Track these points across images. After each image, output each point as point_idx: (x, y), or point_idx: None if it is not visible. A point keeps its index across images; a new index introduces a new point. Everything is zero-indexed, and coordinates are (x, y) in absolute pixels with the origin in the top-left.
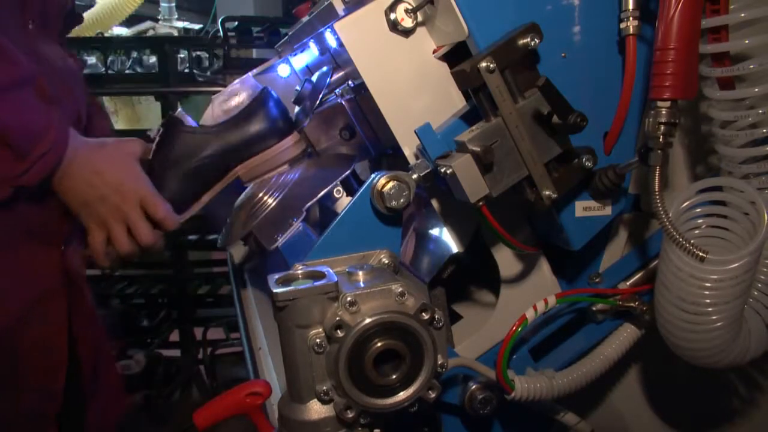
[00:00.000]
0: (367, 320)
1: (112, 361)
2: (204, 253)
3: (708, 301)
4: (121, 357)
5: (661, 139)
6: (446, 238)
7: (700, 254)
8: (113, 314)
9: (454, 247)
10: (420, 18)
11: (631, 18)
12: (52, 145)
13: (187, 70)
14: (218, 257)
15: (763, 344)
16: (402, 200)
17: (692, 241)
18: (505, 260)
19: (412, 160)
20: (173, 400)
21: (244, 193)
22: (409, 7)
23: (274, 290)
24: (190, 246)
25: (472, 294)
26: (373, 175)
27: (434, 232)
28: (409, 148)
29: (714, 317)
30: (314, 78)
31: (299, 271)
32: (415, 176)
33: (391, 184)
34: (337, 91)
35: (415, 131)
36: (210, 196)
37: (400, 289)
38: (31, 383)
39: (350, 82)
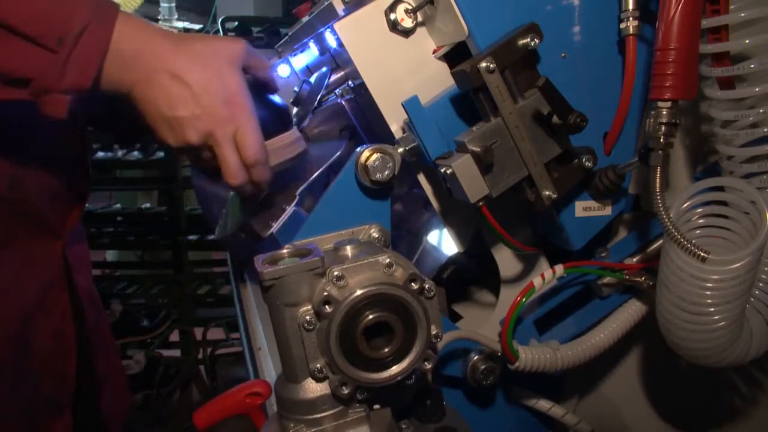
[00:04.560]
0: (356, 293)
1: (116, 349)
2: (204, 253)
3: (709, 301)
4: (121, 357)
5: (661, 140)
6: (446, 238)
7: (702, 254)
8: (113, 314)
9: (454, 247)
10: (420, 18)
11: (631, 18)
12: (91, 15)
13: None
14: (218, 257)
15: (765, 344)
16: (387, 173)
17: (693, 242)
18: (505, 260)
19: (398, 135)
20: (173, 400)
21: None
22: (409, 8)
23: (260, 270)
24: (190, 246)
25: (472, 294)
26: (357, 149)
27: (434, 232)
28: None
29: (716, 317)
30: (312, 79)
31: (285, 251)
32: (400, 150)
33: (374, 156)
34: (337, 91)
35: (402, 104)
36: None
37: (387, 260)
38: (45, 369)
39: (350, 82)
